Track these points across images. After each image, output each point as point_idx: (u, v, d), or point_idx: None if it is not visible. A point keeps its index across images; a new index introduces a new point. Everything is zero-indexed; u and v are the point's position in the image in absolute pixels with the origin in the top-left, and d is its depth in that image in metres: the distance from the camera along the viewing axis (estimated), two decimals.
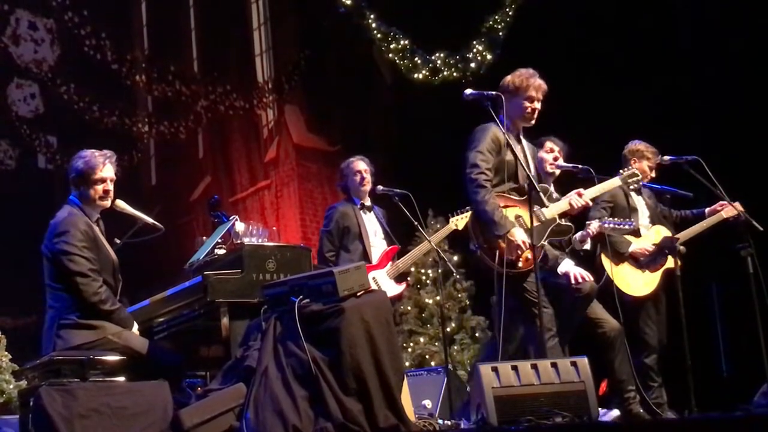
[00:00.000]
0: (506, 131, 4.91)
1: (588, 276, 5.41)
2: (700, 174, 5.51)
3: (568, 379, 4.26)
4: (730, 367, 7.82)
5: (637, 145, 6.16)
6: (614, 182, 5.30)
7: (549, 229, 4.96)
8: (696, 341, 5.35)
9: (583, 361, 4.34)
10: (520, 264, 4.81)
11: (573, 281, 5.35)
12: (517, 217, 4.89)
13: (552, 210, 4.99)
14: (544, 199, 4.96)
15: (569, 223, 5.08)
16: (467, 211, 6.62)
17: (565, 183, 6.11)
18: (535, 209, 4.84)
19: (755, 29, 7.80)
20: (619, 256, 5.77)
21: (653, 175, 6.13)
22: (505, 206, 4.86)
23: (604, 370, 5.56)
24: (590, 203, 5.15)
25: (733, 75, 7.90)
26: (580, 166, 5.84)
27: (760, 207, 5.85)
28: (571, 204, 5.02)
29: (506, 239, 4.71)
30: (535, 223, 4.77)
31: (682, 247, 5.87)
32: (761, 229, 5.59)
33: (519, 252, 4.74)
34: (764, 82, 7.59)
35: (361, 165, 6.40)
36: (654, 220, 6.05)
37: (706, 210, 6.02)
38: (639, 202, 6.08)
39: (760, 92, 7.62)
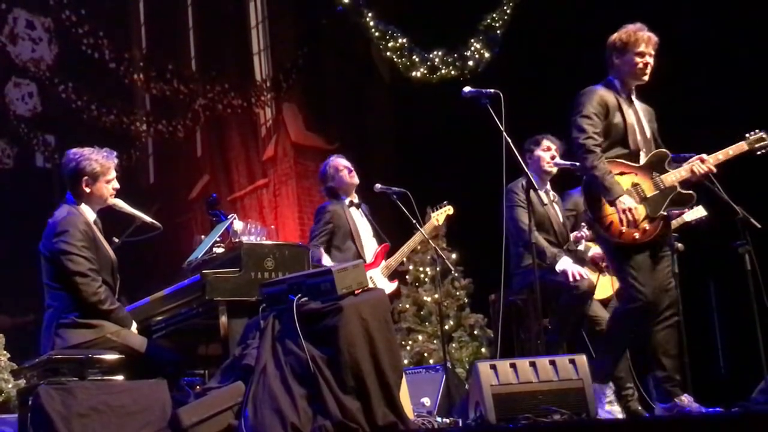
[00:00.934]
0: (617, 92, 4.74)
1: (586, 274, 5.44)
2: None
3: (567, 377, 4.28)
4: (728, 364, 7.83)
5: None
6: (741, 146, 4.94)
7: (668, 199, 4.65)
8: (693, 338, 5.35)
9: (582, 359, 4.35)
10: (637, 235, 4.53)
11: (571, 279, 5.37)
12: (635, 184, 4.64)
13: (671, 177, 4.69)
14: (665, 165, 4.70)
15: (690, 191, 4.74)
16: (446, 205, 6.70)
17: (564, 182, 6.13)
18: (653, 176, 4.63)
19: (755, 26, 7.80)
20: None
21: None
22: (621, 173, 4.63)
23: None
24: (714, 169, 4.77)
25: (733, 72, 7.90)
26: (577, 163, 5.87)
27: (759, 205, 5.86)
28: (693, 171, 4.69)
29: (616, 205, 4.48)
30: (653, 192, 4.58)
31: (680, 245, 5.89)
32: (759, 226, 5.59)
33: (629, 218, 4.46)
34: (764, 80, 7.59)
35: (344, 161, 6.35)
36: None
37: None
38: None
39: (759, 90, 7.62)
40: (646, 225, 4.55)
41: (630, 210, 4.47)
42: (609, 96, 4.72)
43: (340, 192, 6.33)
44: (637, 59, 4.74)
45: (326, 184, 6.36)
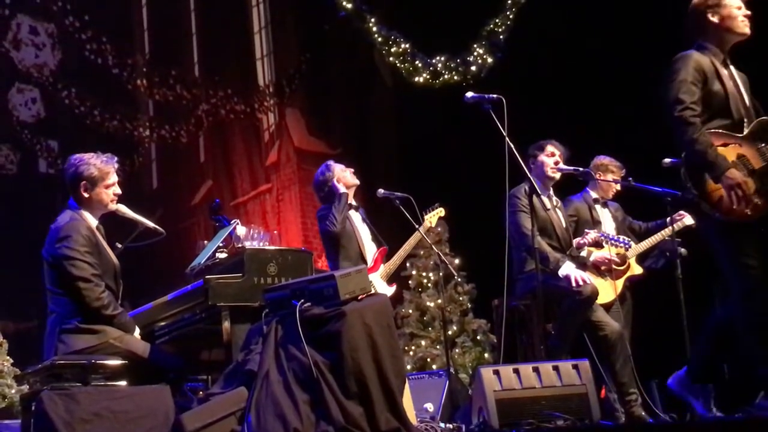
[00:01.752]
0: (712, 56, 4.34)
1: (588, 279, 5.43)
2: None
3: (570, 382, 4.27)
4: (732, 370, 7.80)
5: (602, 159, 6.34)
6: None
7: None
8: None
9: (585, 364, 4.35)
10: (749, 211, 4.11)
11: (574, 284, 5.37)
12: (740, 156, 4.21)
13: None
14: None
15: None
16: (437, 208, 6.69)
17: (564, 186, 6.13)
18: (759, 147, 4.23)
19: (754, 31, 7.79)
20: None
21: (618, 188, 6.24)
22: (723, 144, 4.21)
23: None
24: None
25: None
26: (581, 168, 5.88)
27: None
28: None
29: (723, 181, 4.08)
30: (761, 164, 4.18)
31: (683, 250, 5.90)
32: (763, 230, 5.59)
33: (738, 194, 4.06)
34: (763, 84, 7.58)
35: (341, 165, 6.29)
36: (619, 232, 6.19)
37: (668, 219, 6.04)
38: (604, 214, 6.21)
39: (758, 94, 7.61)
40: (757, 200, 4.14)
41: (739, 185, 4.07)
42: (705, 61, 4.30)
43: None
44: (734, 13, 4.33)
45: (324, 190, 6.18)
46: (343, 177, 6.17)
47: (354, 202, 6.28)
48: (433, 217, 6.64)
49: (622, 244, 5.75)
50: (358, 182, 6.23)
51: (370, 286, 4.53)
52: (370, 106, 11.33)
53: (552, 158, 5.81)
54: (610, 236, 5.76)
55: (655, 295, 6.32)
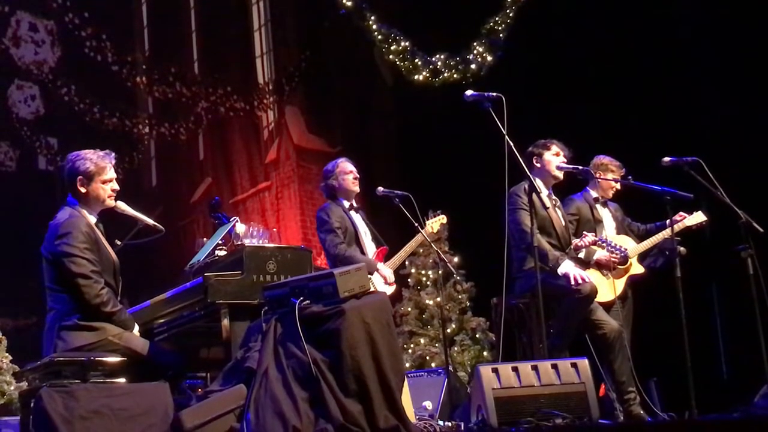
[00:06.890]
0: None
1: (587, 277, 5.43)
2: (701, 175, 5.52)
3: (569, 381, 4.28)
4: (730, 369, 7.82)
5: (601, 159, 6.35)
6: None
7: None
8: (696, 343, 5.35)
9: (584, 363, 4.36)
10: None
11: (573, 282, 5.37)
12: None
13: None
14: None
15: None
16: (440, 215, 6.78)
17: (564, 185, 6.13)
18: None
19: (755, 30, 7.80)
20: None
21: (618, 187, 6.25)
22: None
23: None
24: None
25: (733, 76, 7.90)
26: (581, 167, 5.88)
27: (760, 209, 5.86)
28: None
29: None
30: None
31: (682, 249, 5.90)
32: (761, 230, 5.59)
33: None
34: (764, 84, 7.59)
35: (350, 165, 6.32)
36: (620, 232, 6.22)
37: (667, 221, 6.05)
38: (605, 214, 6.23)
39: (759, 94, 7.62)
40: None
41: None
42: None
43: (339, 194, 6.27)
44: None
45: (327, 181, 6.27)
46: (344, 179, 6.21)
47: (355, 204, 6.31)
48: (435, 223, 6.70)
49: (617, 251, 5.76)
50: (357, 190, 6.25)
51: (369, 284, 4.53)
52: (369, 104, 11.33)
53: (558, 158, 5.81)
54: (607, 241, 5.75)
55: (653, 294, 6.32)
